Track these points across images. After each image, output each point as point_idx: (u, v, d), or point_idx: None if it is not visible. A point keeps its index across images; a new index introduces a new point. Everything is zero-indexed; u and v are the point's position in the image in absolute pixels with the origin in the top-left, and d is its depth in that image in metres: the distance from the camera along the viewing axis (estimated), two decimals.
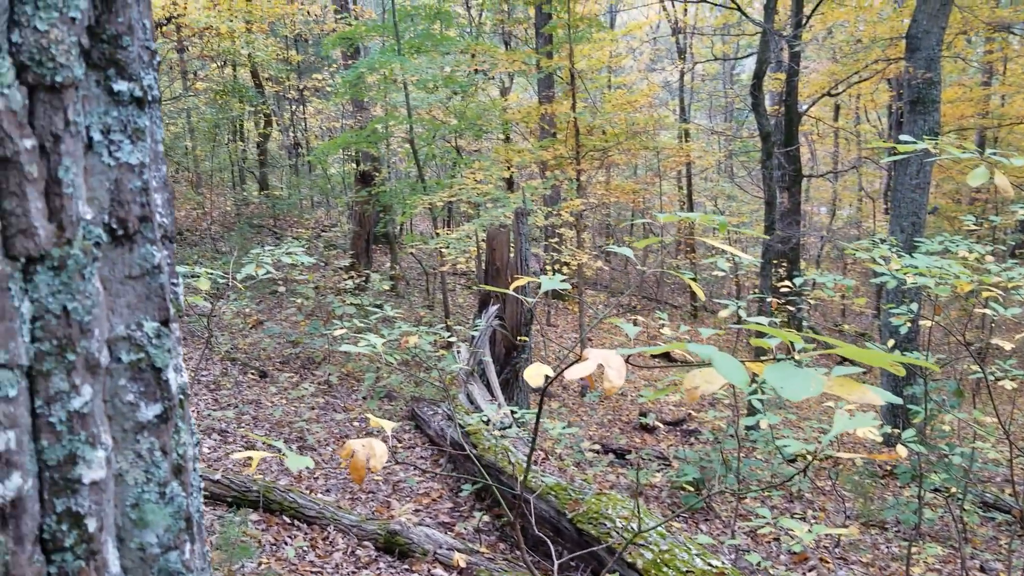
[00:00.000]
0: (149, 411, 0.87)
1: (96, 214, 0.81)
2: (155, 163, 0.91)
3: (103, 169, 0.82)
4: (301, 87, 18.29)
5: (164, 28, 13.83)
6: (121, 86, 0.82)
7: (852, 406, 3.71)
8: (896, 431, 6.29)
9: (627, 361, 1.64)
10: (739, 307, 5.63)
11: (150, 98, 0.87)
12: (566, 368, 1.86)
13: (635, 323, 10.86)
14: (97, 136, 0.81)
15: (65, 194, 0.76)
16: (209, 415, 7.49)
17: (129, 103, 0.83)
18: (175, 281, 0.96)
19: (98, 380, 0.80)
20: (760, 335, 2.06)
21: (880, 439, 4.54)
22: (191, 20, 14.01)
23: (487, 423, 6.32)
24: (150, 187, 0.87)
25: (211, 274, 5.03)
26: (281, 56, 17.76)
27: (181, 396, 0.93)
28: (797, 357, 1.66)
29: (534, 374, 1.96)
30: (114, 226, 0.83)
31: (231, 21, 14.83)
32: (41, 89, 0.73)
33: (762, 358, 2.08)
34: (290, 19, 17.36)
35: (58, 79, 0.74)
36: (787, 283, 6.63)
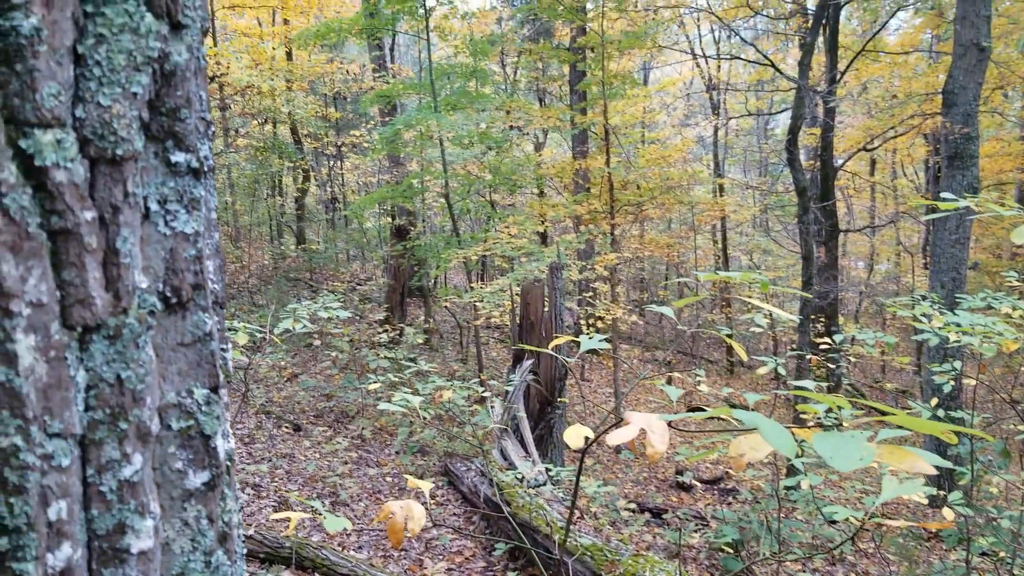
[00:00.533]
0: (197, 479, 0.87)
1: (151, 283, 0.82)
2: (208, 231, 0.93)
3: (159, 238, 0.83)
4: (339, 143, 18.65)
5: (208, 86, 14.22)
6: (178, 157, 0.84)
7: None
8: (942, 493, 6.10)
9: (670, 426, 1.62)
10: (777, 364, 5.55)
11: (206, 168, 0.89)
12: (605, 432, 1.83)
13: (670, 380, 10.73)
14: (154, 206, 0.82)
15: (122, 264, 0.77)
16: (243, 469, 7.50)
17: (186, 173, 0.85)
18: (224, 347, 0.97)
19: (148, 448, 0.80)
20: (803, 399, 2.02)
21: (926, 501, 4.41)
22: (234, 79, 14.41)
23: (521, 480, 6.25)
24: (203, 255, 0.88)
25: (248, 328, 5.07)
26: (320, 113, 18.16)
27: (228, 462, 0.92)
28: (846, 424, 1.63)
29: (574, 436, 1.94)
30: (168, 294, 0.84)
31: (272, 80, 15.23)
32: (102, 162, 0.75)
33: (803, 418, 2.05)
34: (329, 78, 17.81)
35: (119, 152, 0.75)
36: (826, 340, 6.53)
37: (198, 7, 0.89)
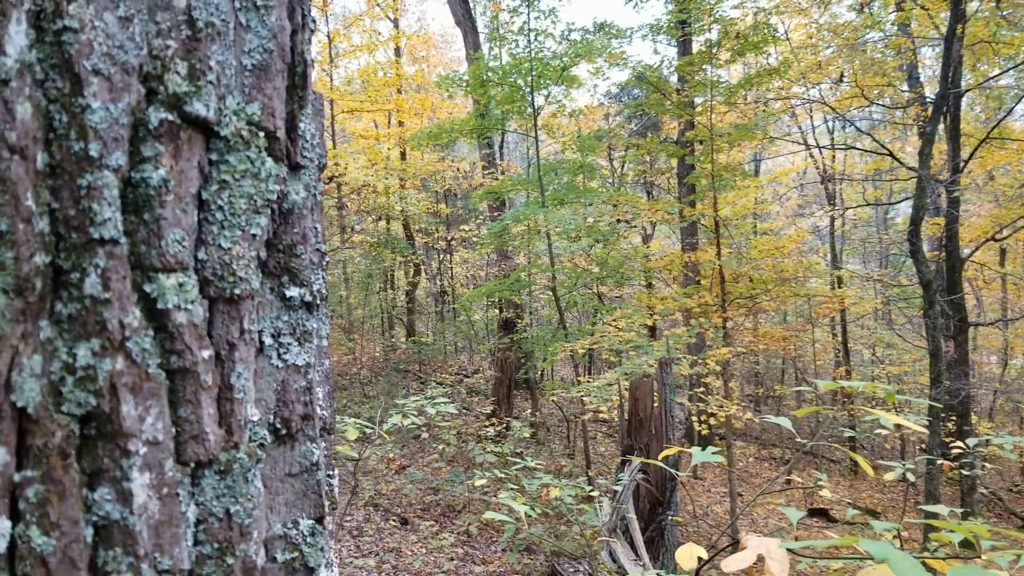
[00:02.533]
0: None
1: (262, 415, 0.84)
2: (319, 359, 0.94)
3: (271, 371, 0.85)
4: (449, 238, 19.16)
5: (326, 186, 14.96)
6: (293, 292, 0.86)
7: None
8: None
9: (791, 552, 1.52)
10: (906, 469, 5.21)
11: (319, 301, 0.91)
12: (718, 553, 1.74)
13: (789, 482, 10.24)
14: (268, 340, 0.84)
15: (236, 399, 0.78)
16: (351, 562, 7.51)
17: (299, 307, 0.87)
18: (331, 473, 0.97)
19: None
20: (933, 519, 1.87)
21: None
22: (351, 179, 15.09)
23: None
24: (313, 385, 0.89)
25: (358, 424, 5.15)
26: (432, 209, 18.77)
27: None
28: (983, 558, 1.49)
29: (686, 556, 1.85)
30: (278, 426, 0.85)
31: (387, 179, 15.88)
32: (221, 301, 0.77)
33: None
34: (441, 175, 18.44)
35: (237, 292, 0.78)
36: (958, 443, 6.12)
37: (316, 146, 0.92)
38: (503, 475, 7.42)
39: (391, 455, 11.52)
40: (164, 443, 0.72)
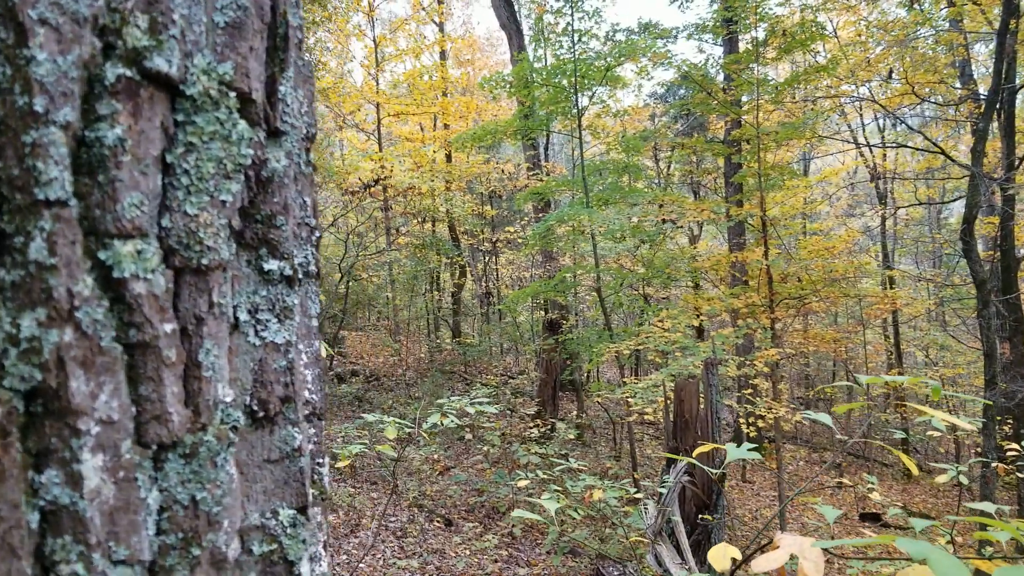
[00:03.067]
0: None
1: (237, 395, 0.78)
2: (307, 339, 0.89)
3: (248, 349, 0.79)
4: (494, 239, 19.14)
5: (372, 189, 15.04)
6: (272, 265, 0.81)
7: None
8: None
9: (827, 552, 1.43)
10: (959, 472, 5.01)
11: (301, 275, 0.85)
12: (752, 555, 1.65)
13: (840, 485, 9.98)
14: (244, 316, 0.79)
15: (204, 377, 0.73)
16: (394, 563, 7.50)
17: (279, 282, 0.82)
18: (320, 461, 0.91)
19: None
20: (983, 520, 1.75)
21: None
22: (396, 181, 15.16)
23: None
24: (295, 366, 0.83)
25: (398, 423, 5.12)
26: (477, 211, 18.76)
27: None
28: None
29: (719, 556, 1.76)
30: (255, 408, 0.79)
31: (432, 181, 15.91)
32: (187, 272, 0.72)
33: (990, 554, 1.78)
34: (486, 177, 18.43)
35: (204, 262, 0.73)
36: (1014, 446, 5.88)
37: (303, 114, 0.87)
38: (547, 476, 7.35)
39: (435, 456, 11.52)
40: (120, 423, 0.67)
